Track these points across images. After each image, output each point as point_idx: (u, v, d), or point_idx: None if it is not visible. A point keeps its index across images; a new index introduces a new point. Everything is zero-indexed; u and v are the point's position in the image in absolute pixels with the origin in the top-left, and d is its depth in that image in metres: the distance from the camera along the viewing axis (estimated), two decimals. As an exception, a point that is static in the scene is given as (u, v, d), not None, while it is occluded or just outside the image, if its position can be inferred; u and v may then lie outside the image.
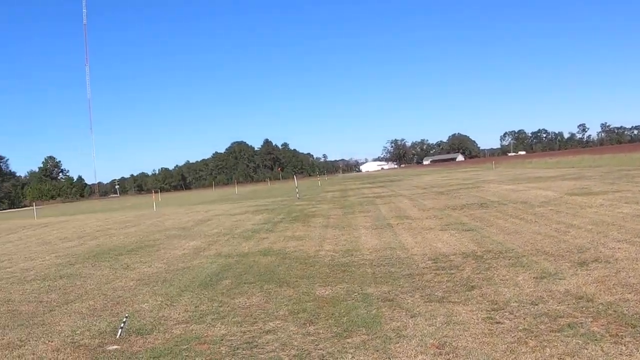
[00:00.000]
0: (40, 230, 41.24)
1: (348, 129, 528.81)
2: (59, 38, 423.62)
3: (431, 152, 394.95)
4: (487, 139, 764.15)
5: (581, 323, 8.27)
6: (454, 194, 37.64)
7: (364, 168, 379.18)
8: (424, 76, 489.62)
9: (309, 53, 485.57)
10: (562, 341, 7.63)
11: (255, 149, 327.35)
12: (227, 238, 23.38)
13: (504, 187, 39.87)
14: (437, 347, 7.84)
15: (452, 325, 8.67)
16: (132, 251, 21.77)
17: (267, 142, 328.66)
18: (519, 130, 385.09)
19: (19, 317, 12.11)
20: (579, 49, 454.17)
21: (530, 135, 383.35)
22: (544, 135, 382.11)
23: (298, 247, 18.75)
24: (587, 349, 7.32)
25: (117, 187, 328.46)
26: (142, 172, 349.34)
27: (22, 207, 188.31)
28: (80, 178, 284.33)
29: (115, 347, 9.25)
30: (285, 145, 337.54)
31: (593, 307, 8.99)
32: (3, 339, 10.38)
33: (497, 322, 8.64)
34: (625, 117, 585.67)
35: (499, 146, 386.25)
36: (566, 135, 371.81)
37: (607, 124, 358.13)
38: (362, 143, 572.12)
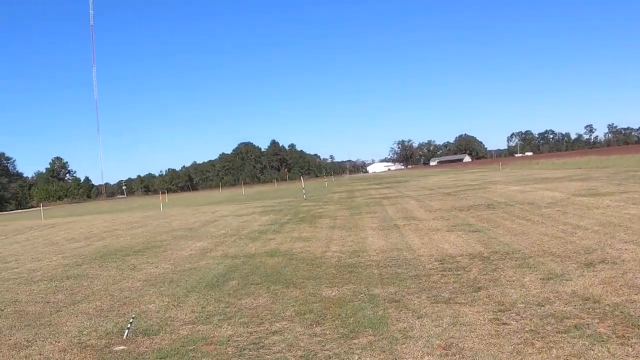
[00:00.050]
0: (48, 231, 41.29)
1: (355, 130, 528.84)
2: (66, 38, 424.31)
3: (438, 153, 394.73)
4: (494, 140, 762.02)
5: (588, 324, 8.26)
6: (460, 195, 37.59)
7: (370, 169, 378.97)
8: (431, 77, 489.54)
9: (316, 54, 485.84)
10: (568, 342, 7.63)
11: (262, 149, 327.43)
12: (233, 239, 23.39)
13: (511, 188, 39.81)
14: (443, 348, 7.85)
15: (459, 327, 8.67)
16: (139, 252, 21.80)
17: (274, 143, 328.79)
18: (526, 131, 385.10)
19: (26, 317, 12.14)
20: (586, 50, 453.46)
21: (537, 136, 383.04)
22: (551, 136, 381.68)
23: (305, 248, 18.75)
24: (593, 350, 7.32)
25: (124, 188, 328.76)
26: (149, 173, 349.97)
27: (29, 208, 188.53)
28: (87, 179, 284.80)
29: (122, 347, 9.27)
30: (292, 146, 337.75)
31: (600, 308, 8.98)
32: (10, 339, 10.42)
33: (504, 323, 8.64)
34: (632, 118, 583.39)
35: (506, 147, 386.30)
36: (573, 136, 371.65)
37: (614, 125, 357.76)
38: (369, 144, 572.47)
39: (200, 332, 9.72)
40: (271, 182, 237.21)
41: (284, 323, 9.81)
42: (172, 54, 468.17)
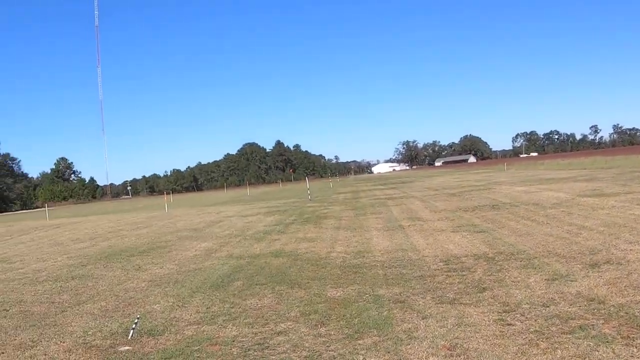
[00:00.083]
0: (53, 232, 41.34)
1: (360, 131, 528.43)
2: (71, 39, 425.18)
3: (443, 153, 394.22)
4: (499, 141, 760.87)
5: (592, 325, 8.27)
6: (465, 195, 37.58)
7: (375, 169, 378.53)
8: (436, 77, 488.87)
9: (321, 54, 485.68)
10: (573, 343, 7.63)
11: (267, 150, 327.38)
12: (238, 239, 23.41)
13: (516, 188, 39.79)
14: (448, 349, 7.85)
15: (464, 327, 8.68)
16: (144, 252, 21.83)
17: (278, 144, 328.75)
18: (531, 132, 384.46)
19: (31, 317, 12.17)
20: (591, 50, 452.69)
21: (542, 136, 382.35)
22: (556, 137, 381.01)
23: (310, 248, 18.76)
24: (598, 351, 7.32)
25: (129, 188, 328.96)
26: (154, 174, 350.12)
27: (34, 209, 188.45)
28: (92, 179, 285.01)
29: (126, 348, 9.28)
30: (297, 146, 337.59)
31: (604, 309, 8.98)
32: (15, 339, 10.45)
33: (509, 324, 8.65)
34: (637, 118, 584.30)
35: (511, 147, 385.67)
36: (578, 137, 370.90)
37: (620, 125, 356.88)
38: (374, 144, 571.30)
39: (205, 333, 9.73)
40: (276, 182, 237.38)
41: (288, 323, 9.82)
42: (177, 54, 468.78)
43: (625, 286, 10.26)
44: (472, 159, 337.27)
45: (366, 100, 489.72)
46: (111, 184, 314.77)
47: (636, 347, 7.32)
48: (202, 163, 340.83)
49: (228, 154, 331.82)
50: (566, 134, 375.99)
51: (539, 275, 11.75)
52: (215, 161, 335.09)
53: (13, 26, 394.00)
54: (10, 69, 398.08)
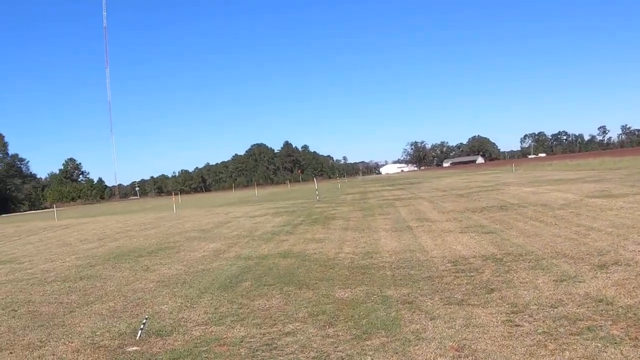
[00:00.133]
0: (61, 232, 41.41)
1: (368, 131, 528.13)
2: (80, 39, 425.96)
3: (451, 154, 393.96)
4: (507, 141, 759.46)
5: (601, 326, 8.26)
6: (473, 196, 37.54)
7: (383, 170, 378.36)
8: (444, 78, 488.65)
9: (330, 55, 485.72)
10: (581, 344, 7.62)
11: (275, 151, 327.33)
12: (246, 240, 23.42)
13: (524, 189, 39.72)
14: (456, 350, 7.85)
15: (472, 328, 8.68)
16: (152, 253, 21.86)
17: (286, 144, 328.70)
18: (539, 132, 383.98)
19: (40, 318, 12.21)
20: (600, 51, 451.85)
21: (550, 137, 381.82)
22: (564, 137, 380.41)
23: (318, 249, 18.76)
24: (606, 352, 7.32)
25: (137, 189, 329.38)
26: (162, 174, 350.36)
27: (42, 209, 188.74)
28: (100, 180, 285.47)
29: (135, 348, 9.30)
30: (305, 147, 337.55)
31: (613, 310, 8.97)
32: (24, 339, 10.48)
33: (517, 325, 8.64)
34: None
35: (519, 148, 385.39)
36: (586, 137, 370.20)
37: (628, 126, 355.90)
38: (382, 145, 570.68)
39: (213, 333, 9.75)
40: (284, 183, 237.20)
41: (296, 324, 9.83)
42: (185, 54, 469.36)
43: (633, 287, 10.25)
44: (480, 160, 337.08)
45: (374, 101, 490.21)
46: (119, 185, 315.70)
47: (644, 349, 7.32)
48: (211, 164, 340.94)
49: (236, 154, 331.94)
50: (574, 135, 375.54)
51: (547, 276, 11.74)
52: (223, 162, 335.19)
53: (20, 27, 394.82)
54: (18, 70, 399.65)
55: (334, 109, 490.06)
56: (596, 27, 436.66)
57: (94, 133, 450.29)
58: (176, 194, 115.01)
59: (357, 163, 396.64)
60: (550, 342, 7.80)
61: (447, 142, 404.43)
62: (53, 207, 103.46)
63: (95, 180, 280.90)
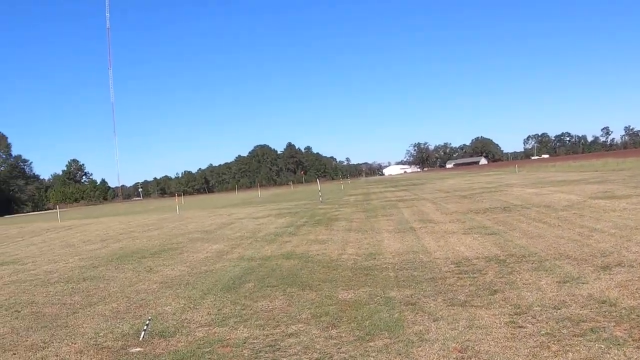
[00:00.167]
0: (64, 233, 41.44)
1: (371, 133, 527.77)
2: (82, 39, 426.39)
3: (454, 155, 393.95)
4: (511, 142, 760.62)
5: (604, 327, 8.25)
6: (477, 197, 37.54)
7: (386, 171, 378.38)
8: (447, 79, 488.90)
9: (333, 56, 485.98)
10: (584, 346, 7.62)
11: (278, 152, 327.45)
12: (250, 241, 23.43)
13: (527, 190, 39.70)
14: (459, 351, 7.85)
15: (475, 330, 8.68)
16: (155, 254, 21.87)
17: (290, 146, 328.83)
18: (543, 134, 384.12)
19: (43, 319, 12.21)
20: (603, 51, 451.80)
21: (553, 138, 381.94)
22: (568, 139, 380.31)
23: (321, 250, 18.77)
24: (609, 353, 7.31)
25: (140, 190, 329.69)
26: (166, 175, 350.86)
27: (45, 210, 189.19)
28: (103, 181, 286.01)
29: (138, 349, 9.31)
30: (308, 148, 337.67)
31: (616, 311, 8.97)
32: (27, 340, 10.49)
33: (520, 327, 8.64)
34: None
35: (522, 149, 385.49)
36: (590, 139, 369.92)
37: (631, 127, 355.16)
38: (385, 146, 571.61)
39: (216, 335, 9.75)
40: (287, 184, 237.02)
41: (300, 325, 9.83)
42: (188, 55, 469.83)
43: (636, 288, 10.23)
44: (483, 161, 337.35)
45: (378, 102, 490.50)
46: (122, 186, 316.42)
47: (648, 350, 7.32)
48: (214, 165, 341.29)
49: (239, 155, 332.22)
50: (577, 136, 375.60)
51: (550, 277, 11.73)
52: (226, 163, 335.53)
53: (22, 28, 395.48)
54: (20, 71, 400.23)
55: (337, 110, 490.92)
56: (599, 28, 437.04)
57: (97, 134, 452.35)
58: (179, 195, 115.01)
59: (360, 164, 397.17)
60: (553, 344, 7.79)
61: (450, 143, 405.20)
62: (56, 208, 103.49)
63: (98, 182, 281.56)
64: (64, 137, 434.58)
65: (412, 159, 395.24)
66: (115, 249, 25.29)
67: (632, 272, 11.58)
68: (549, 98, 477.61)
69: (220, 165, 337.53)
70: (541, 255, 14.14)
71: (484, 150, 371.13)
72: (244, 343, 9.09)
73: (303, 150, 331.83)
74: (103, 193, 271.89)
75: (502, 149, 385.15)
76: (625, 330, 8.08)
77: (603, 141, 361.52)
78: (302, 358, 8.23)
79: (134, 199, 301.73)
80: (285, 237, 23.91)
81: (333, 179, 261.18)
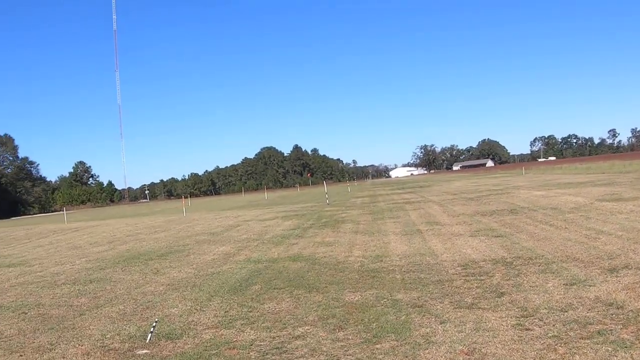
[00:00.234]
0: (71, 235, 41.49)
1: (378, 135, 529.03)
2: (89, 42, 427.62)
3: (461, 157, 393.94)
4: (517, 145, 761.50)
5: (611, 330, 8.23)
6: (483, 200, 37.49)
7: (393, 174, 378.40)
8: (454, 81, 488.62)
9: (339, 58, 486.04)
10: (591, 348, 7.60)
11: (285, 154, 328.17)
12: (256, 243, 23.42)
13: (534, 193, 39.63)
14: (466, 354, 7.84)
15: (482, 332, 8.66)
16: (162, 256, 21.87)
17: (296, 148, 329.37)
18: (549, 136, 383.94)
19: (50, 320, 12.22)
20: (610, 53, 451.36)
21: (560, 140, 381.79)
22: (574, 141, 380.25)
23: (327, 252, 18.75)
24: (616, 356, 7.29)
25: (146, 192, 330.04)
26: (172, 178, 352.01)
27: (52, 212, 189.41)
28: (110, 183, 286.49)
29: (145, 351, 9.31)
30: (314, 150, 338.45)
31: (623, 314, 8.94)
32: (34, 342, 10.50)
33: (527, 329, 8.62)
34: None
35: (529, 152, 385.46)
36: (596, 141, 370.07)
37: (638, 129, 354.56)
38: (392, 149, 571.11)
39: (223, 337, 9.75)
40: (294, 186, 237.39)
41: (306, 328, 9.83)
42: (195, 57, 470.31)
43: (644, 291, 10.22)
44: (490, 163, 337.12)
45: (384, 104, 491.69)
46: (129, 188, 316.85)
47: (655, 353, 7.30)
48: (220, 167, 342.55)
49: (246, 158, 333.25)
50: (584, 138, 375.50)
51: (557, 280, 11.71)
52: (233, 165, 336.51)
53: (28, 30, 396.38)
54: (27, 73, 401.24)
55: (343, 112, 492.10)
56: (606, 30, 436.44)
57: (103, 136, 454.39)
58: (186, 197, 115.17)
59: (367, 166, 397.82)
60: (560, 346, 7.78)
61: (457, 146, 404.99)
62: (63, 210, 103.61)
63: (105, 184, 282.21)
64: (71, 139, 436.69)
65: (418, 161, 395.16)
66: (122, 251, 25.31)
67: (639, 274, 11.54)
68: (556, 100, 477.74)
69: (226, 167, 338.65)
70: (548, 258, 14.11)
71: (490, 152, 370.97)
72: (251, 345, 9.09)
73: (310, 153, 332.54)
74: (110, 195, 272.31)
75: (508, 151, 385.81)
76: (632, 332, 8.06)
77: (610, 143, 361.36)
78: (309, 360, 8.24)
79: (141, 201, 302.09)
80: (292, 239, 23.91)
81: (340, 181, 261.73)
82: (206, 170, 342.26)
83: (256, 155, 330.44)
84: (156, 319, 10.85)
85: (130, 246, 27.52)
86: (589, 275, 11.86)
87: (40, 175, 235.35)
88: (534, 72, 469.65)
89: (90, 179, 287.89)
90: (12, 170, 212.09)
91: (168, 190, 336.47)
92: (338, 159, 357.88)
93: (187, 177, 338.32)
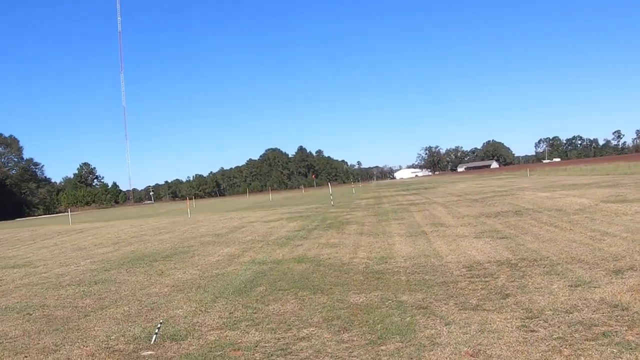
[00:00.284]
0: (75, 236, 41.51)
1: (382, 136, 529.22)
2: (93, 43, 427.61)
3: (465, 159, 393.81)
4: (522, 146, 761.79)
5: (616, 332, 8.22)
6: (488, 201, 37.47)
7: (398, 175, 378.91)
8: (458, 82, 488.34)
9: (344, 59, 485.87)
10: (596, 350, 7.59)
11: (290, 156, 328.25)
12: (261, 245, 23.43)
13: (539, 194, 39.60)
14: (471, 355, 7.83)
15: (486, 334, 8.65)
16: (167, 257, 21.88)
17: (301, 149, 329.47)
18: (554, 137, 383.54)
19: (54, 322, 12.23)
20: (615, 54, 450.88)
21: (564, 142, 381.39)
22: (579, 142, 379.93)
23: (332, 254, 18.75)
24: (622, 358, 7.29)
25: (151, 193, 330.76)
26: (177, 179, 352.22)
27: (57, 213, 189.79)
28: (114, 184, 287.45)
29: (149, 352, 9.32)
30: (319, 152, 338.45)
31: (628, 315, 8.93)
32: (38, 343, 10.50)
33: (532, 331, 8.61)
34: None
35: (534, 153, 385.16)
36: (601, 142, 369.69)
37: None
38: (396, 150, 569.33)
39: (227, 338, 9.75)
40: (298, 188, 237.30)
41: (311, 329, 9.82)
42: (200, 58, 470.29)
43: (649, 293, 10.21)
44: (494, 165, 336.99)
45: (389, 106, 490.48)
46: (134, 189, 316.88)
47: (661, 355, 7.29)
48: (225, 168, 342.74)
49: (250, 159, 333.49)
50: (589, 140, 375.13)
51: (562, 281, 11.70)
52: (237, 166, 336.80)
53: (32, 30, 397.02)
54: (32, 74, 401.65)
55: (348, 113, 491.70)
56: (611, 30, 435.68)
57: (108, 137, 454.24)
58: (190, 199, 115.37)
59: (372, 168, 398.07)
60: (565, 348, 7.77)
61: (462, 147, 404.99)
62: (67, 212, 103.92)
63: (110, 185, 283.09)
64: (76, 141, 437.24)
65: (423, 162, 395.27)
66: (127, 252, 25.33)
67: (644, 276, 11.54)
68: (560, 101, 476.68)
69: (231, 168, 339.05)
70: (553, 259, 14.10)
71: (495, 153, 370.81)
72: (256, 347, 9.09)
73: (314, 154, 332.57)
74: (114, 196, 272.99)
75: (513, 152, 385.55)
76: (637, 334, 8.05)
77: (615, 145, 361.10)
78: (314, 362, 8.24)
79: (145, 202, 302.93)
80: (297, 240, 23.91)
81: (344, 182, 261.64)
82: (211, 172, 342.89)
83: (261, 156, 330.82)
84: (161, 321, 10.86)
85: (135, 247, 27.54)
86: (594, 276, 11.84)
87: (45, 177, 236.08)
88: (539, 73, 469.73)
89: (95, 180, 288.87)
90: (17, 172, 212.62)
91: (173, 191, 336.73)
92: (343, 161, 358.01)
93: (191, 179, 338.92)
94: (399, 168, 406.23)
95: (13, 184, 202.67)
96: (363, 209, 43.55)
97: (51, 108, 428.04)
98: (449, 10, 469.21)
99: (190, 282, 15.82)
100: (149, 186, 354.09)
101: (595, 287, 10.92)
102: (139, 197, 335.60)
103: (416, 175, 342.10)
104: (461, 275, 13.25)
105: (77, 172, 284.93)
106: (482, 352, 7.92)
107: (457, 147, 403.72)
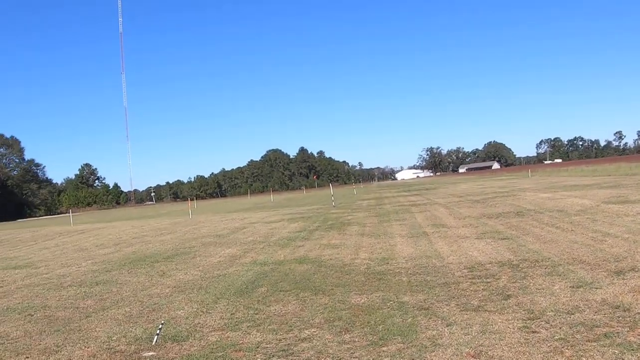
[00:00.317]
0: (77, 237, 41.51)
1: (384, 137, 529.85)
2: (95, 44, 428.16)
3: (467, 160, 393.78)
4: (523, 147, 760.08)
5: (618, 333, 8.22)
6: (489, 202, 37.42)
7: (399, 176, 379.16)
8: (460, 83, 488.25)
9: (345, 60, 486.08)
10: (598, 351, 7.59)
11: (291, 156, 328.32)
12: (262, 246, 23.42)
13: (540, 195, 39.55)
14: (472, 356, 7.83)
15: (488, 335, 8.65)
16: (168, 258, 21.88)
17: (302, 150, 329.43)
18: (555, 138, 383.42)
19: (56, 322, 12.23)
20: (616, 55, 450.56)
21: (566, 143, 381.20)
22: (580, 143, 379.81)
23: (334, 255, 18.74)
24: (623, 359, 7.29)
25: (152, 194, 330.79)
26: (178, 180, 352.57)
27: (58, 214, 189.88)
28: (116, 185, 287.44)
29: (151, 353, 9.32)
30: (320, 153, 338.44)
31: (630, 316, 8.93)
32: (40, 344, 10.51)
33: (533, 332, 8.61)
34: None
35: (535, 154, 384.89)
36: (602, 143, 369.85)
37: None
38: (398, 151, 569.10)
39: (229, 339, 9.75)
40: (300, 189, 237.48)
41: (313, 330, 9.82)
42: (201, 60, 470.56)
43: (651, 294, 10.20)
44: (496, 166, 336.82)
45: (390, 107, 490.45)
46: (135, 190, 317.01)
47: (662, 356, 7.29)
48: (226, 169, 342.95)
49: (252, 160, 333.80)
50: (590, 140, 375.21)
51: (563, 282, 11.69)
52: (239, 167, 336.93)
53: (36, 32, 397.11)
54: (33, 75, 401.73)
55: (349, 114, 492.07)
56: (612, 31, 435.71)
57: (109, 138, 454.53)
58: (192, 200, 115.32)
59: (373, 169, 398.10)
60: (567, 349, 7.76)
61: (463, 148, 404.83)
62: (69, 212, 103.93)
63: (111, 186, 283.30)
64: (77, 141, 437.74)
65: (424, 163, 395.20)
66: (128, 253, 25.33)
67: (646, 277, 11.54)
68: (562, 102, 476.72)
69: (232, 169, 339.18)
70: (554, 260, 14.09)
71: (496, 154, 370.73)
72: (257, 347, 9.09)
73: (315, 155, 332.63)
74: (116, 197, 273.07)
75: (514, 153, 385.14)
76: (639, 335, 8.05)
77: (616, 145, 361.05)
78: (315, 363, 8.23)
79: (147, 203, 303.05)
80: (298, 241, 23.90)
81: (345, 183, 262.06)
82: (212, 173, 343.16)
83: (262, 157, 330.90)
84: (162, 321, 10.86)
85: (136, 248, 27.54)
86: (596, 277, 11.84)
87: (47, 178, 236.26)
88: (540, 74, 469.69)
89: (96, 181, 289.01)
90: (19, 173, 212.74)
91: (174, 192, 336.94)
92: (344, 161, 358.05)
93: (193, 180, 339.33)
94: (400, 169, 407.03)
95: (14, 185, 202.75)
96: (364, 209, 43.53)
97: (52, 109, 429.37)
98: (451, 11, 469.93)
99: (192, 283, 15.82)
100: (150, 187, 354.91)
101: (596, 288, 10.92)
102: (140, 198, 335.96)
103: (417, 176, 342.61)
104: (462, 276, 13.24)
105: (78, 173, 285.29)
106: (483, 353, 7.92)
107: (459, 148, 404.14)
